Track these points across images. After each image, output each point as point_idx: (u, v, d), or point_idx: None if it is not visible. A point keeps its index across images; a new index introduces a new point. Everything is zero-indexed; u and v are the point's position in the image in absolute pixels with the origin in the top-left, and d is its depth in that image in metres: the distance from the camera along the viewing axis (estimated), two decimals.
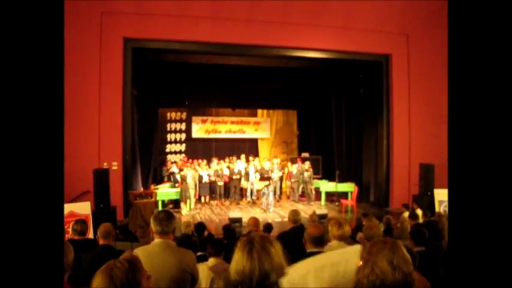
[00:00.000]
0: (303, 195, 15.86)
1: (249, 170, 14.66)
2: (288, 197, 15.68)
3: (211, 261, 4.19)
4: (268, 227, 7.27)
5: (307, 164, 15.24)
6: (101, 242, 4.64)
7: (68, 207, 8.65)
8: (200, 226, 7.10)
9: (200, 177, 14.64)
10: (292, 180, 15.24)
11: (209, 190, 14.96)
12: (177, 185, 13.73)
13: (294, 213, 6.26)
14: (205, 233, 7.18)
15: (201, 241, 6.04)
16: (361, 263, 2.00)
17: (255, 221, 6.68)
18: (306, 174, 14.89)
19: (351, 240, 4.88)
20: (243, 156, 16.21)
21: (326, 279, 1.83)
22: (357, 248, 1.99)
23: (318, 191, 15.38)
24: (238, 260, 1.98)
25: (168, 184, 14.22)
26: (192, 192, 13.67)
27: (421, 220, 7.93)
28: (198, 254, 5.08)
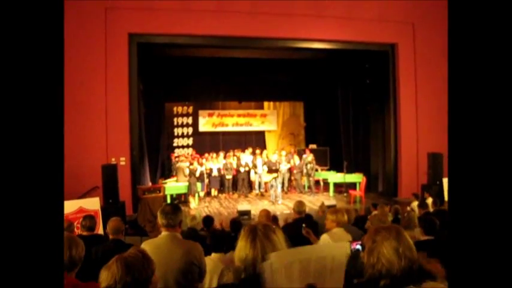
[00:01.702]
0: (310, 186, 15.92)
1: (256, 163, 14.67)
2: (295, 189, 15.65)
3: (214, 255, 4.16)
4: (274, 219, 7.29)
5: (310, 156, 15.20)
6: (111, 237, 4.71)
7: (77, 203, 8.71)
8: (208, 219, 7.11)
9: (210, 170, 14.67)
10: (295, 171, 15.20)
11: (219, 183, 15.00)
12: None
13: (299, 205, 6.29)
14: (217, 226, 7.22)
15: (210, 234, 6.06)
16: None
17: (266, 213, 6.70)
18: (308, 166, 14.85)
19: (349, 226, 4.95)
20: (248, 150, 16.18)
21: (312, 273, 1.85)
22: (345, 245, 2.01)
23: (326, 182, 15.37)
24: (242, 248, 2.04)
25: (175, 178, 14.25)
26: (199, 186, 13.75)
27: (431, 209, 7.90)
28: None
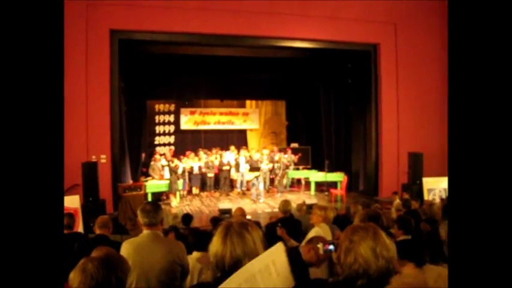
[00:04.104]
0: (292, 185, 15.97)
1: (239, 161, 14.64)
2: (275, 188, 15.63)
3: (196, 254, 4.14)
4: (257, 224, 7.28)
5: (277, 155, 15.15)
6: (98, 231, 4.71)
7: None
8: (187, 217, 7.10)
9: (191, 169, 14.58)
10: (277, 171, 15.09)
11: (200, 182, 14.92)
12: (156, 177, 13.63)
13: (285, 204, 6.28)
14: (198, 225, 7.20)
15: (189, 232, 6.05)
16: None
17: (241, 211, 6.71)
18: (276, 165, 14.75)
19: (331, 224, 5.01)
20: (232, 147, 16.16)
21: (261, 284, 1.86)
22: (279, 247, 2.03)
23: (307, 181, 15.41)
24: (214, 243, 2.06)
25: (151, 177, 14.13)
26: (180, 184, 13.67)
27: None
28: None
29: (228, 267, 1.98)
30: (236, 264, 1.96)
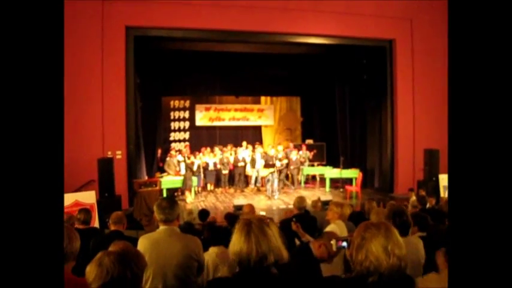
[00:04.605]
0: (307, 182, 15.92)
1: (255, 157, 14.64)
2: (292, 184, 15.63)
3: (213, 249, 4.13)
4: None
5: (281, 153, 15.02)
6: (112, 227, 4.73)
7: (73, 197, 8.70)
8: (203, 213, 7.11)
9: (206, 165, 14.63)
10: (292, 167, 15.08)
11: (215, 178, 14.97)
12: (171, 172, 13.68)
13: (300, 200, 6.26)
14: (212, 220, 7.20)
15: (204, 227, 6.06)
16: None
17: (250, 208, 6.71)
18: (278, 163, 14.61)
19: (347, 221, 4.98)
20: (244, 143, 16.18)
21: None
22: None
23: (322, 178, 15.38)
24: (236, 242, 2.04)
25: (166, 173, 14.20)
26: (195, 180, 13.71)
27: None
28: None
29: (253, 264, 1.98)
30: (262, 260, 1.97)
